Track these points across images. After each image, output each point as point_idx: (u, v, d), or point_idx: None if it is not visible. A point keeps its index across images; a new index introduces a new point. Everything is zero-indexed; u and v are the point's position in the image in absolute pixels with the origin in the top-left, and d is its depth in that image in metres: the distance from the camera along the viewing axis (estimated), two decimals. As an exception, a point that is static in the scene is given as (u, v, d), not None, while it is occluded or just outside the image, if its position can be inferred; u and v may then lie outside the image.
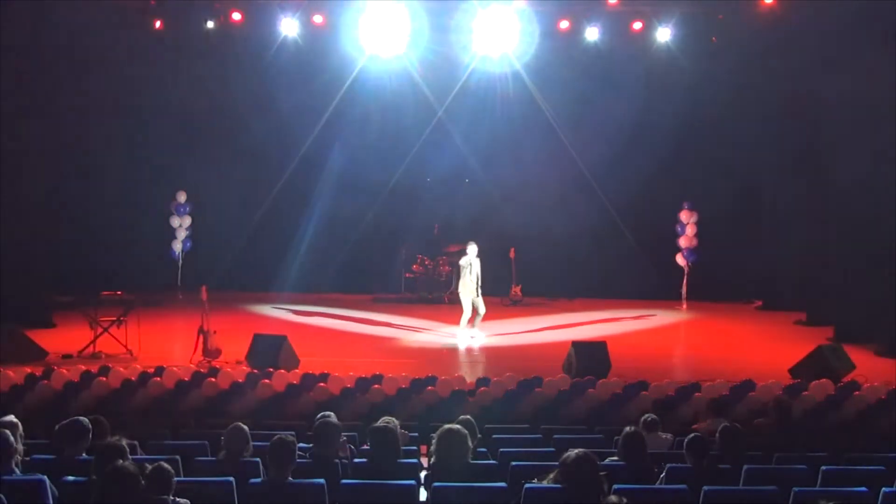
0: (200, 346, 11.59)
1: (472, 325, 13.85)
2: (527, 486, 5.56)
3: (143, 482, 4.98)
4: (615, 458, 6.38)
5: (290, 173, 18.37)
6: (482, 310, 13.75)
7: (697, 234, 18.35)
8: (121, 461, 5.10)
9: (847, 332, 13.72)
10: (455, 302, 17.61)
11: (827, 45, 14.85)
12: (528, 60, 17.00)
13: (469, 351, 13.37)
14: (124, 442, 5.75)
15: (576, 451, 5.36)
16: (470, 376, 10.78)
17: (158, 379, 10.17)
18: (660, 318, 16.95)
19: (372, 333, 14.60)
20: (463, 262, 13.66)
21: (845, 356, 11.38)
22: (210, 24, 16.67)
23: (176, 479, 5.19)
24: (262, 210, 18.31)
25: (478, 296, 13.63)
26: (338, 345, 13.55)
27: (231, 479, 5.68)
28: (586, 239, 18.25)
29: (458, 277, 13.66)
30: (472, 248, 13.68)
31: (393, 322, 15.59)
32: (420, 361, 11.97)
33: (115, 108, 17.06)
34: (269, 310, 16.58)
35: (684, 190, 18.41)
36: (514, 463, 6.44)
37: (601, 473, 5.33)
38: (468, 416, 7.08)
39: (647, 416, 7.75)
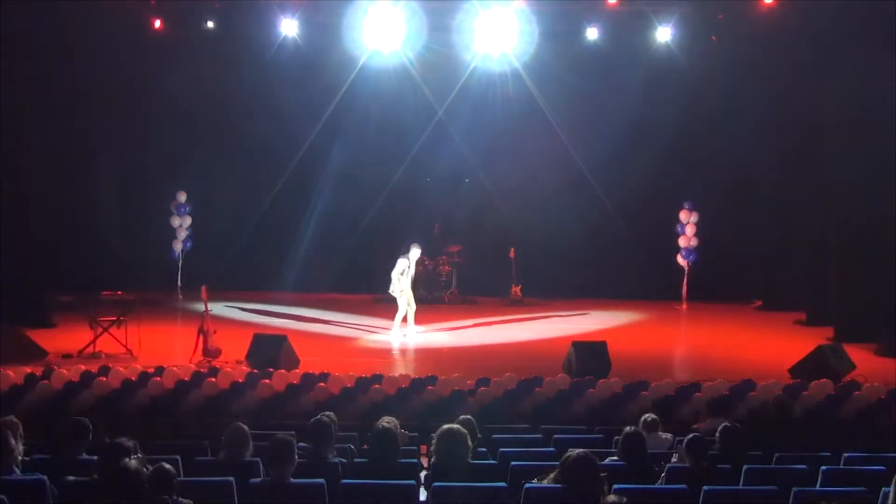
0: (200, 346, 11.58)
1: (406, 324, 13.93)
2: (527, 486, 5.56)
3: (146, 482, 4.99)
4: (615, 458, 6.38)
5: (290, 173, 18.35)
6: (413, 306, 13.90)
7: (697, 234, 18.34)
8: (125, 460, 5.10)
9: (847, 332, 13.72)
10: (455, 302, 17.75)
11: (826, 44, 14.87)
12: (528, 60, 16.99)
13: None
14: (126, 442, 5.75)
15: (576, 451, 5.36)
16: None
17: (158, 379, 10.18)
18: (659, 317, 16.95)
19: (368, 333, 14.63)
20: (401, 262, 13.69)
21: (845, 356, 11.38)
22: (210, 24, 16.66)
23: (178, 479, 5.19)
24: (262, 210, 18.29)
25: (409, 293, 13.77)
26: (335, 344, 13.55)
27: (231, 479, 5.68)
28: (586, 239, 18.23)
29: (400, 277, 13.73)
30: (415, 252, 13.82)
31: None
32: (416, 361, 11.98)
33: (115, 107, 17.06)
34: (263, 310, 16.56)
35: (684, 190, 18.40)
36: (514, 463, 6.44)
37: (601, 474, 5.33)
38: (468, 416, 7.09)
39: (647, 416, 7.75)
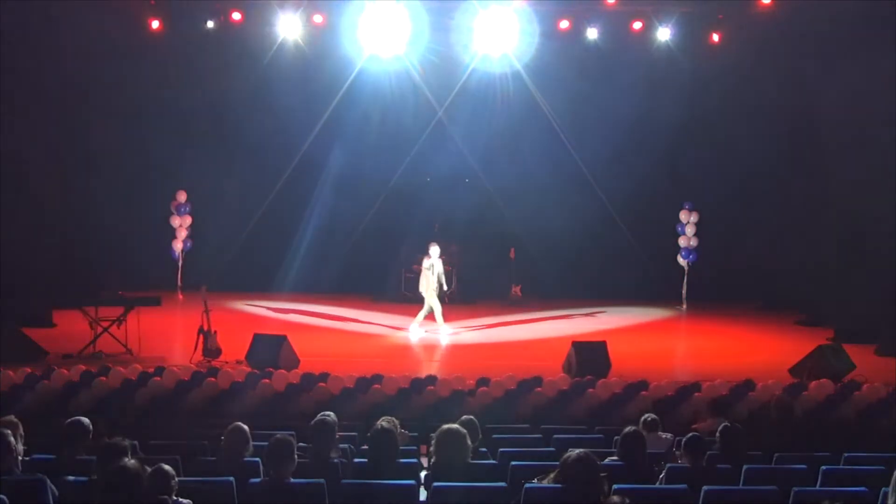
0: (200, 346, 11.59)
1: (436, 321, 14.09)
2: (527, 486, 5.56)
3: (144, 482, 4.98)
4: (615, 458, 6.38)
5: (289, 173, 18.37)
6: (438, 309, 14.02)
7: (697, 234, 18.34)
8: (125, 460, 5.10)
9: (847, 332, 13.72)
10: (455, 302, 17.72)
11: (826, 44, 14.89)
12: (528, 60, 17.01)
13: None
14: (126, 442, 5.75)
15: (576, 451, 5.36)
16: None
17: (158, 379, 10.17)
18: (660, 317, 16.96)
19: (368, 332, 14.66)
20: (425, 263, 13.98)
21: (845, 356, 11.38)
22: (210, 24, 16.67)
23: (176, 479, 5.18)
24: (262, 210, 18.29)
25: (437, 294, 13.96)
26: (335, 344, 13.56)
27: (231, 479, 5.68)
28: (586, 239, 18.25)
29: (422, 278, 14.08)
30: (434, 250, 13.98)
31: (386, 322, 15.62)
32: (417, 361, 11.99)
33: (115, 107, 17.05)
34: (263, 310, 16.60)
35: (684, 190, 18.40)
36: (514, 463, 6.44)
37: (601, 474, 5.32)
38: (471, 417, 7.09)
39: (647, 416, 7.75)
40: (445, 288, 14.24)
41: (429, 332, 14.19)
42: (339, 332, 14.69)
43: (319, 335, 14.21)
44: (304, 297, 17.49)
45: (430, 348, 13.51)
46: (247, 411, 9.65)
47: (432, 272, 13.88)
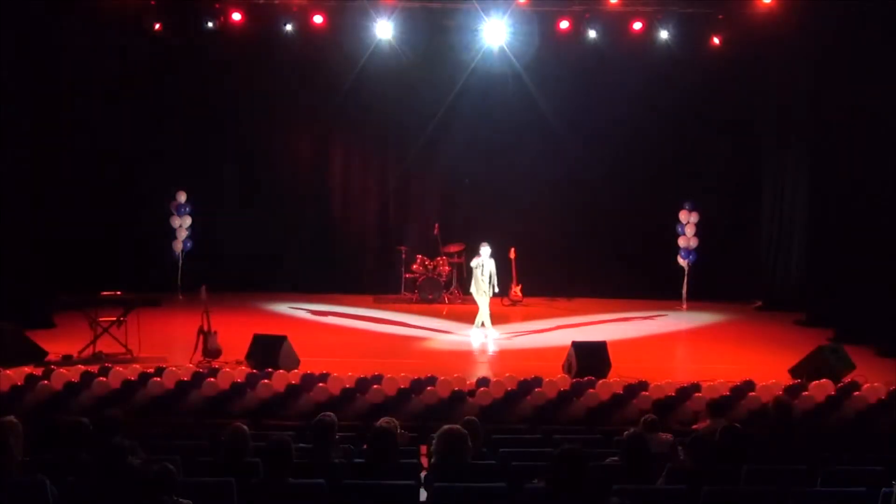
0: (200, 346, 11.59)
1: (483, 325, 14.11)
2: (527, 486, 5.55)
3: (145, 482, 4.99)
4: (616, 458, 6.38)
5: (290, 173, 18.38)
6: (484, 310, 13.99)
7: (697, 234, 18.33)
8: (126, 460, 5.11)
9: (847, 332, 13.72)
10: (454, 302, 17.72)
11: (827, 44, 14.89)
12: (528, 60, 17.03)
13: (483, 350, 13.55)
14: (126, 442, 5.76)
15: (562, 447, 5.30)
16: (473, 376, 10.81)
17: (158, 379, 10.17)
18: (659, 318, 16.92)
19: (373, 332, 14.64)
20: (474, 262, 13.98)
21: (845, 356, 11.37)
22: (210, 24, 16.68)
23: (177, 479, 5.19)
24: (262, 210, 18.29)
25: (488, 296, 13.97)
26: (338, 345, 13.55)
27: (231, 479, 5.68)
28: (586, 239, 18.24)
29: (473, 278, 14.10)
30: (485, 250, 13.99)
31: (393, 320, 15.62)
32: (419, 362, 11.97)
33: (115, 108, 17.04)
34: (272, 308, 16.59)
35: (684, 190, 18.39)
36: (514, 463, 6.44)
37: (587, 466, 5.23)
38: (472, 418, 7.10)
39: (647, 416, 7.76)
40: (497, 289, 14.15)
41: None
42: (340, 332, 14.68)
43: (320, 334, 14.19)
44: (304, 297, 17.46)
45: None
46: (247, 411, 9.67)
47: (482, 272, 13.84)
